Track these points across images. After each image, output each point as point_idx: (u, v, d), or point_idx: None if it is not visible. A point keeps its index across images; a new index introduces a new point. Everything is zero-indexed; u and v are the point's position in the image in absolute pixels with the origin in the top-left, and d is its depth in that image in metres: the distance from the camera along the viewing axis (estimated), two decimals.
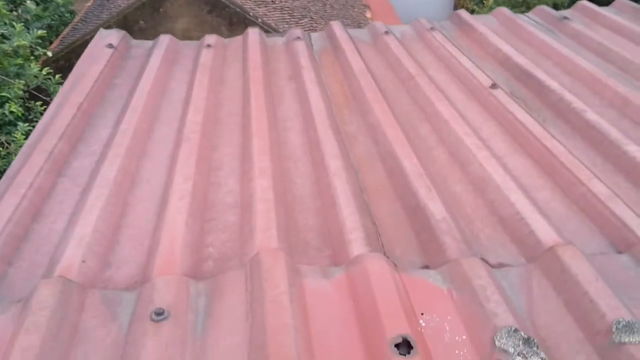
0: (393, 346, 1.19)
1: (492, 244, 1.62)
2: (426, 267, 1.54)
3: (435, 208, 1.69)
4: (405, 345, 1.20)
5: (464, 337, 1.28)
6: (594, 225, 1.68)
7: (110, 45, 2.73)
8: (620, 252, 1.56)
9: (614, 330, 1.23)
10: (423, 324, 1.31)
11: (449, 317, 1.33)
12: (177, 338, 1.23)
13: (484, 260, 1.49)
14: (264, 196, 1.72)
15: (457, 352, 1.24)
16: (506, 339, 1.22)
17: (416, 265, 1.55)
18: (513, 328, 1.23)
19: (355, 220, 1.63)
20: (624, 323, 1.23)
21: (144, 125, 2.16)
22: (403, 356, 1.17)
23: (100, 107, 2.34)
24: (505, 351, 1.20)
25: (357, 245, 1.53)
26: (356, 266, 1.43)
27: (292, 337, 1.19)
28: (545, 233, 1.55)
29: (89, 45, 2.80)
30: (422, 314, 1.34)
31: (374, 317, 1.27)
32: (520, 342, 1.20)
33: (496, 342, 1.22)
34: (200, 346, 1.23)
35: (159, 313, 1.26)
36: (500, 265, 1.52)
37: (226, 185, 1.90)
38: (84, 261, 1.46)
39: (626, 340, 1.21)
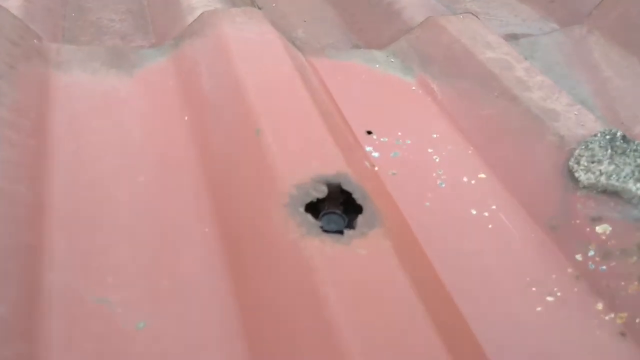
0: (302, 210, 0.37)
1: (488, 8, 0.82)
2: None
3: None
4: (332, 203, 0.40)
5: (481, 175, 0.50)
6: None
7: None
8: None
9: None
10: (375, 155, 0.50)
11: (434, 136, 0.54)
12: None
13: None
14: None
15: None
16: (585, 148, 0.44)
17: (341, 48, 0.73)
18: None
19: None
20: None
21: None
22: (337, 235, 0.36)
23: None
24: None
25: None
26: (198, 38, 0.58)
27: None
28: None
29: None
30: (369, 132, 0.53)
31: (243, 145, 0.44)
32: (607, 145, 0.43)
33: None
34: None
35: None
36: (514, 37, 0.73)
37: None
38: None
39: None
